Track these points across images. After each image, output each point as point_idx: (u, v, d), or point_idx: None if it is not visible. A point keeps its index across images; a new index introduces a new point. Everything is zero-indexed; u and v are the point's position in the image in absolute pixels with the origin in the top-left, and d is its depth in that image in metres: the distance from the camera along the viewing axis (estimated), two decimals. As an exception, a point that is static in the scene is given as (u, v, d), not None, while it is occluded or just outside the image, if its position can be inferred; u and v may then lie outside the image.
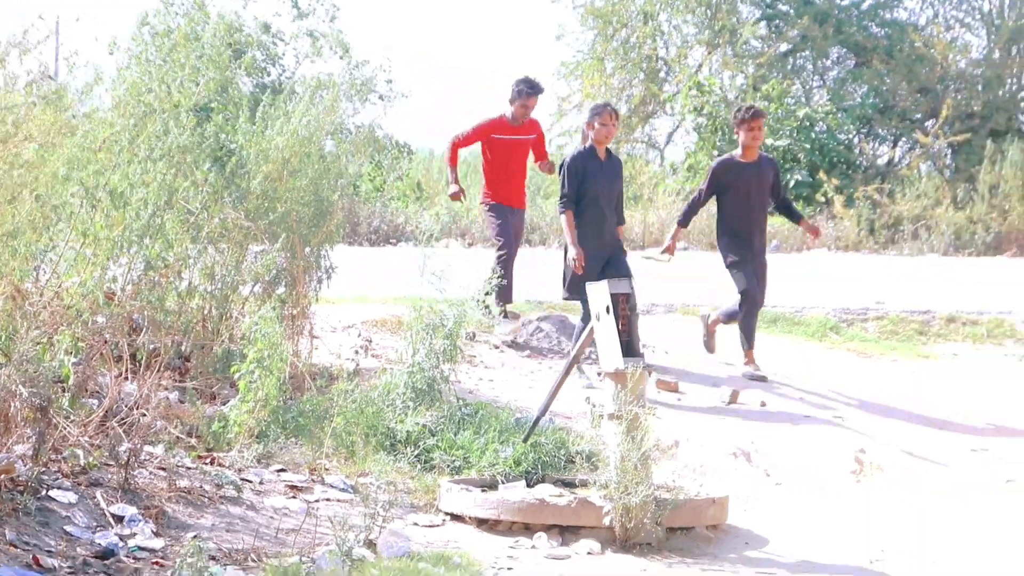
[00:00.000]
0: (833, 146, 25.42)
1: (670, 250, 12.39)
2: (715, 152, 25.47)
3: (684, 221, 12.64)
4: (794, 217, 12.78)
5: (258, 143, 10.51)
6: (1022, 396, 12.21)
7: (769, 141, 24.91)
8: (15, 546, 6.49)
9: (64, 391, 7.57)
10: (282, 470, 8.77)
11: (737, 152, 12.25)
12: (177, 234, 9.58)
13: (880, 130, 27.24)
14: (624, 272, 10.67)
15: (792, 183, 24.48)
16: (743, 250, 12.09)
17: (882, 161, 27.02)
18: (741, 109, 12.25)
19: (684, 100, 26.51)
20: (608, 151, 11.35)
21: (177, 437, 8.52)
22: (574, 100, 27.83)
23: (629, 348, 8.50)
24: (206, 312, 10.19)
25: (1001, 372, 13.23)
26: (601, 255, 11.23)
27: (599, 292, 8.65)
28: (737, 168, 12.18)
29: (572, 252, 11.14)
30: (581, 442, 9.51)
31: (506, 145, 12.97)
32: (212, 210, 10.08)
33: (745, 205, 12.14)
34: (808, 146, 24.94)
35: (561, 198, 11.32)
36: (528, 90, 12.84)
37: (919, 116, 26.95)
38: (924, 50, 26.95)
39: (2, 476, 6.96)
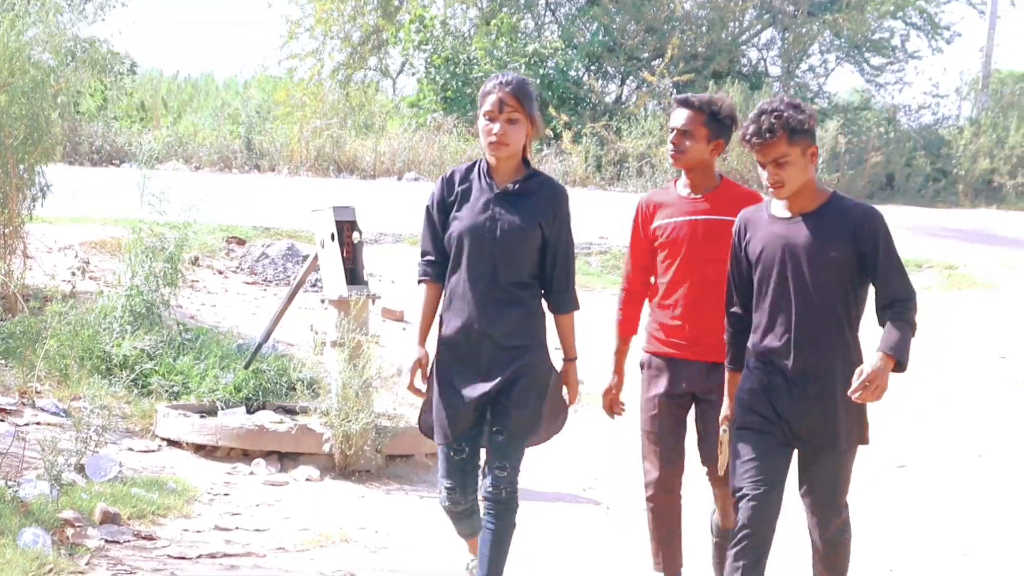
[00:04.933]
0: (562, 82, 25.73)
1: None
2: (438, 90, 25.47)
3: None
4: None
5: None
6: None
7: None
8: None
9: None
10: (-10, 393, 8.49)
11: None
12: None
13: (608, 68, 27.67)
14: (509, 436, 5.55)
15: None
16: None
17: (610, 99, 27.46)
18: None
19: (406, 35, 26.42)
20: (530, 170, 5.63)
21: None
22: (305, 24, 27.45)
23: (353, 276, 8.47)
24: (-90, 229, 9.75)
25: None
26: (470, 378, 5.55)
27: (323, 219, 8.58)
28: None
29: (408, 360, 5.73)
30: (303, 369, 9.46)
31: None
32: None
33: None
34: (537, 81, 25.19)
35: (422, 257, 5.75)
36: None
37: (646, 55, 27.44)
38: (653, -10, 27.43)
39: None
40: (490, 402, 5.52)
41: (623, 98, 27.79)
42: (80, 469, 7.34)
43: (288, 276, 12.73)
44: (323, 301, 8.75)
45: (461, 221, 5.51)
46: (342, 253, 8.46)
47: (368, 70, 28.71)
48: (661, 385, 5.90)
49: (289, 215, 14.25)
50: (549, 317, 5.64)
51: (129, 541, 6.53)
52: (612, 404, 6.13)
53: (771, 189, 5.11)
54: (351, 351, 8.30)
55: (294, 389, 9.33)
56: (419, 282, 5.66)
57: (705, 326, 5.71)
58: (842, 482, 5.27)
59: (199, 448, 8.41)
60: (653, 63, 26.81)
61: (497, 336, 5.47)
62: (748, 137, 5.07)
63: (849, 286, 5.12)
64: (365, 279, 8.62)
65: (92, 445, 7.49)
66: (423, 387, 5.58)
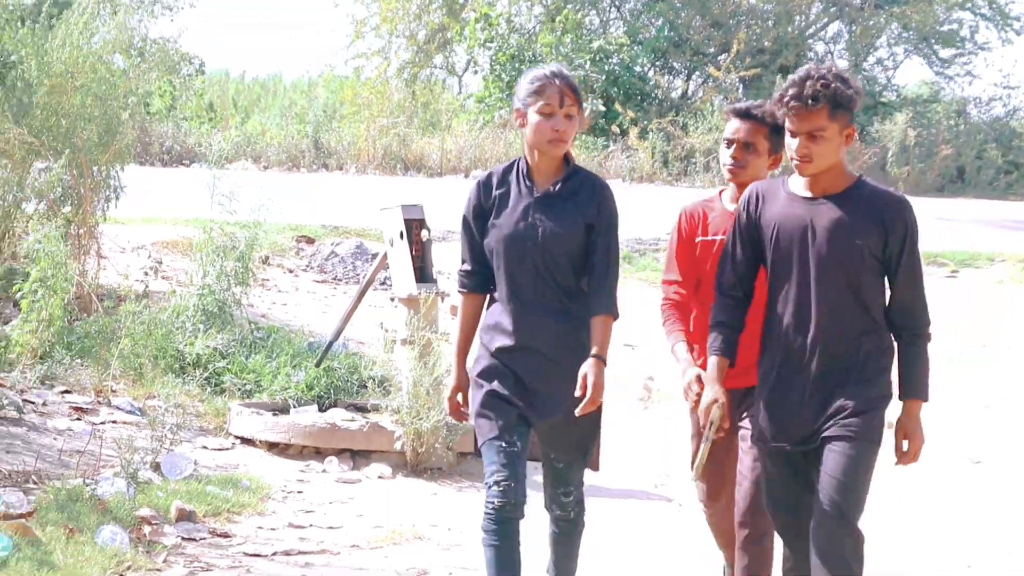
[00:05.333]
0: (627, 78, 25.69)
1: None
2: (503, 88, 25.44)
3: None
4: None
5: (40, 56, 10.13)
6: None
7: (564, 72, 24.96)
8: None
9: None
10: (67, 392, 8.57)
11: None
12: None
13: (674, 63, 27.60)
14: (569, 463, 5.36)
15: (587, 112, 24.76)
16: None
17: (676, 94, 27.39)
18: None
19: (471, 33, 26.48)
20: (571, 168, 5.17)
21: (-45, 357, 8.27)
22: (371, 23, 27.56)
23: (422, 274, 8.49)
24: (-13, 230, 9.88)
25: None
26: (518, 387, 5.14)
27: (392, 217, 8.61)
28: None
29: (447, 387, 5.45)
30: (374, 367, 9.50)
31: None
32: (-6, 124, 9.72)
33: None
34: (603, 77, 25.17)
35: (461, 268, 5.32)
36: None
37: (712, 50, 27.37)
38: (718, -15, 27.35)
39: None
40: (544, 427, 5.16)
41: (689, 93, 27.71)
42: (156, 467, 7.41)
43: (357, 274, 12.79)
44: (393, 299, 8.79)
45: (500, 229, 5.11)
46: (411, 251, 8.49)
47: (434, 68, 28.79)
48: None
49: (357, 213, 14.31)
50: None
51: (205, 538, 6.58)
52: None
53: (795, 162, 4.62)
54: (421, 349, 8.32)
55: (365, 387, 9.37)
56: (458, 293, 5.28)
57: (744, 351, 4.96)
58: (855, 484, 4.53)
59: (272, 446, 8.46)
60: (719, 58, 26.73)
61: (547, 350, 5.07)
62: (787, 100, 4.55)
63: (875, 276, 4.63)
64: (434, 277, 8.65)
65: (167, 443, 7.56)
66: (466, 409, 5.27)
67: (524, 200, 5.11)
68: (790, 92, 4.55)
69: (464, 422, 5.34)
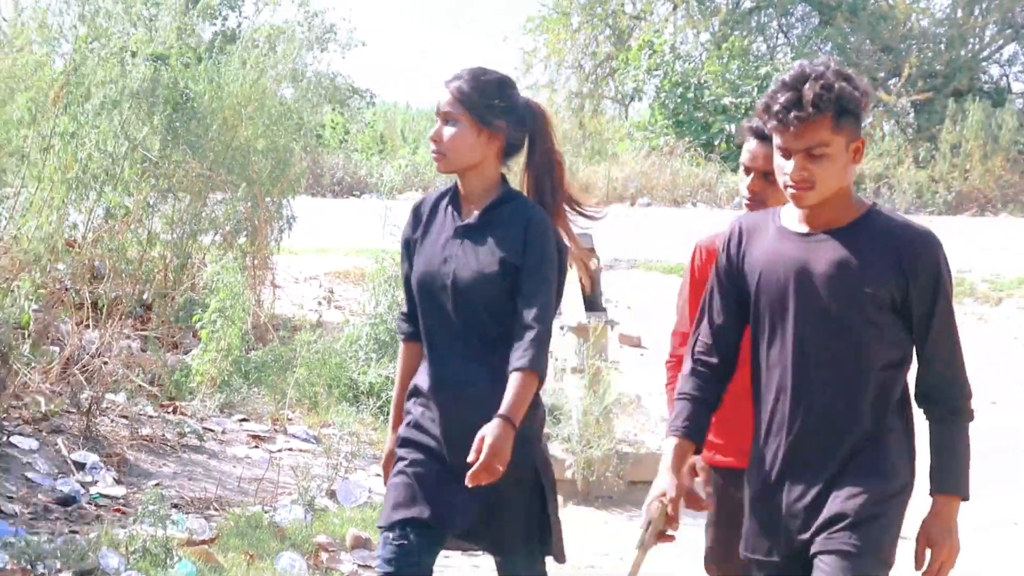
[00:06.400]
0: (796, 104, 25.49)
1: None
2: (669, 115, 25.35)
3: None
4: None
5: (214, 90, 10.39)
6: (979, 355, 12.27)
7: (727, 100, 24.86)
8: (-25, 493, 6.46)
9: (25, 338, 7.52)
10: (244, 420, 8.75)
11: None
12: (136, 181, 9.53)
13: (843, 88, 27.32)
14: (504, 552, 4.20)
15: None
16: None
17: (845, 119, 27.06)
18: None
19: (634, 59, 26.47)
20: (501, 193, 4.19)
21: (139, 385, 8.48)
22: (540, 54, 27.75)
23: (591, 303, 8.50)
24: (167, 261, 10.13)
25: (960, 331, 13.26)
26: (433, 461, 4.14)
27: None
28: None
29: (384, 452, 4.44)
30: (543, 395, 9.52)
31: None
32: (172, 158, 9.99)
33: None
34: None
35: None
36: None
37: (882, 75, 26.98)
38: (887, 9, 26.99)
39: (-38, 423, 6.91)
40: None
41: (859, 118, 27.38)
42: (331, 494, 7.52)
43: (526, 303, 12.84)
44: (562, 328, 8.80)
45: (415, 266, 4.17)
46: (580, 280, 8.49)
47: (601, 97, 28.87)
48: (711, 505, 4.20)
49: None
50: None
51: (379, 565, 6.65)
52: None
53: (790, 190, 3.50)
54: (591, 377, 8.33)
55: (535, 415, 9.38)
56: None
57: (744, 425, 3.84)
58: None
59: (443, 474, 8.52)
60: (890, 82, 26.33)
61: (465, 412, 4.04)
62: (778, 111, 3.43)
63: (894, 335, 3.51)
64: (603, 305, 8.65)
65: (342, 471, 7.67)
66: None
67: (445, 232, 4.15)
68: (782, 99, 3.44)
69: None
